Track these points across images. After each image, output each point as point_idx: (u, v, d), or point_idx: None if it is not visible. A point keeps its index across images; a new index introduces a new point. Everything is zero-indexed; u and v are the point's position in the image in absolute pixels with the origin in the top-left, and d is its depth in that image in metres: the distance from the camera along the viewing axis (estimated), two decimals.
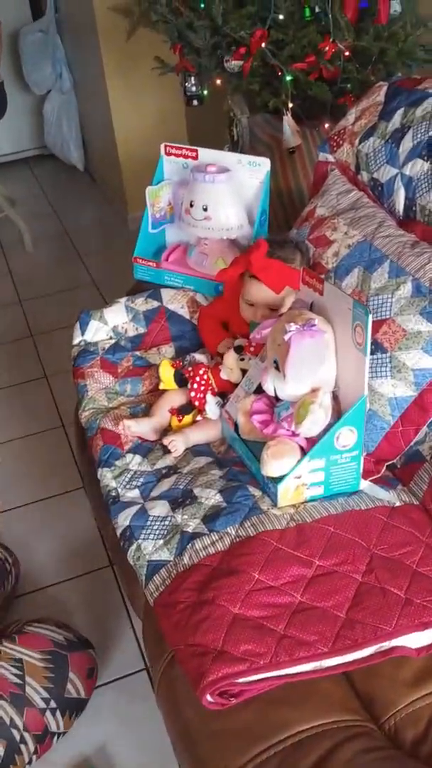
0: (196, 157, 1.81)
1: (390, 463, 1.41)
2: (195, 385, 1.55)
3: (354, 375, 1.30)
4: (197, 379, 1.56)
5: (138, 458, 1.50)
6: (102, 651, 1.70)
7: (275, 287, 1.53)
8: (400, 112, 1.66)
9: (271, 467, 1.30)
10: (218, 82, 2.36)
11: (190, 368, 1.59)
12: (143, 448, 1.53)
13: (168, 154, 1.85)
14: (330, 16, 2.00)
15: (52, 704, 1.46)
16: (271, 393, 1.36)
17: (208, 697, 1.02)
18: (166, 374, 1.60)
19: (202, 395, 1.55)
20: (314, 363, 1.30)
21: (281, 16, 2.05)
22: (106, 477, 1.47)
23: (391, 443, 1.38)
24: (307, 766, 0.97)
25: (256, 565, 1.18)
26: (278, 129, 2.33)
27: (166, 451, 1.50)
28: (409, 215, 1.59)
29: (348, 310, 1.28)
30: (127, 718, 1.61)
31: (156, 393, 1.68)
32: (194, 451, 1.50)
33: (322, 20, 2.05)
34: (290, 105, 2.17)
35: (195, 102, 2.34)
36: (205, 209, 1.73)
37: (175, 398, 1.60)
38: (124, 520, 1.35)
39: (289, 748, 1.00)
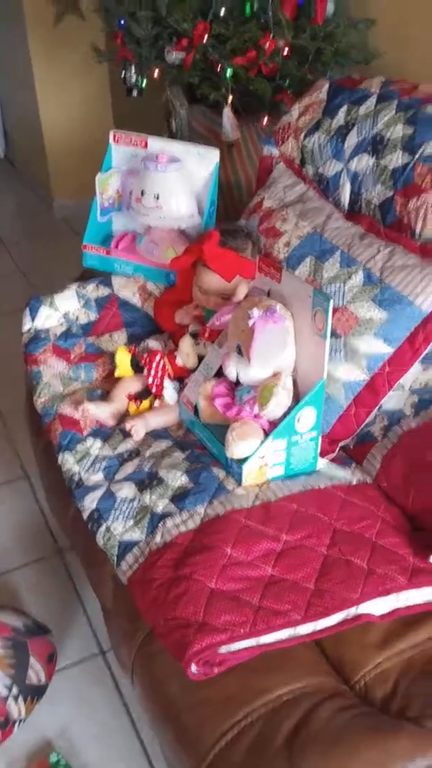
0: (145, 146, 1.83)
1: (343, 443, 1.49)
2: (152, 371, 1.58)
3: (312, 359, 1.36)
4: (153, 365, 1.59)
5: (98, 442, 1.52)
6: (56, 637, 1.71)
7: (227, 276, 1.58)
8: (344, 109, 1.73)
9: (236, 448, 1.35)
10: (156, 73, 2.37)
11: (145, 355, 1.62)
12: (102, 432, 1.55)
13: (117, 142, 1.86)
14: (270, 13, 2.06)
15: (14, 690, 1.47)
16: (233, 378, 1.41)
17: (193, 667, 1.06)
18: (123, 360, 1.63)
19: (159, 381, 1.58)
20: (277, 348, 1.36)
21: (222, 11, 2.09)
22: (69, 461, 1.48)
23: (345, 425, 1.46)
24: (290, 726, 1.03)
25: (228, 541, 1.23)
26: (216, 122, 2.37)
27: (126, 435, 1.53)
28: (354, 209, 1.67)
29: (307, 297, 1.34)
30: (86, 701, 1.63)
31: (110, 379, 1.70)
32: (154, 435, 1.53)
33: (261, 17, 2.10)
34: (230, 99, 2.21)
35: (134, 93, 2.35)
36: (157, 198, 1.75)
37: (132, 384, 1.62)
38: (90, 502, 1.37)
39: (270, 712, 1.05)
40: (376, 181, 1.60)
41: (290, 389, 1.35)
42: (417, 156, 1.52)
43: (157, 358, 1.59)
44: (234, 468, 1.37)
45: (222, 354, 1.47)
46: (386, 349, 1.42)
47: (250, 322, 1.34)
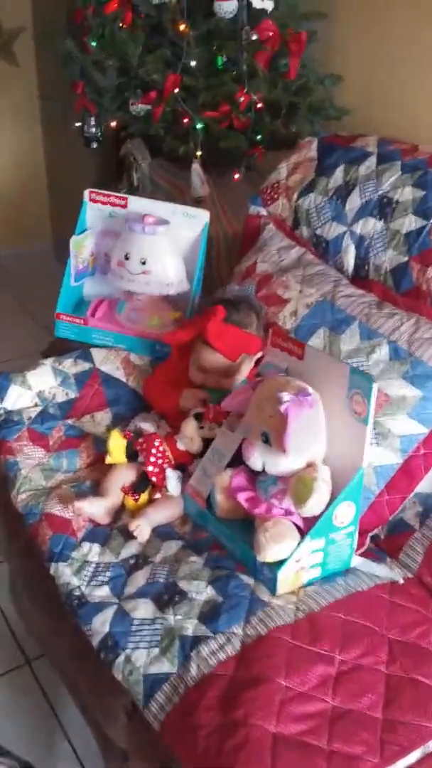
0: (125, 206, 1.68)
1: (373, 533, 1.34)
2: (152, 459, 1.40)
3: (347, 446, 1.22)
4: (153, 451, 1.41)
5: (96, 547, 1.32)
6: None
7: (231, 356, 1.43)
8: (341, 168, 1.64)
9: (270, 552, 1.18)
10: (113, 124, 2.23)
11: (140, 439, 1.44)
12: (99, 534, 1.35)
13: (93, 201, 1.69)
14: (244, 66, 1.96)
15: None
16: (258, 468, 1.25)
17: None
18: (118, 447, 1.43)
19: (159, 470, 1.40)
20: (312, 435, 1.21)
21: (193, 63, 1.97)
22: (65, 574, 1.27)
23: (377, 513, 1.32)
24: None
25: (279, 670, 1.05)
26: (179, 176, 2.24)
27: (127, 536, 1.33)
28: (360, 274, 1.56)
29: (340, 377, 1.20)
30: None
31: (95, 467, 1.51)
32: (158, 533, 1.34)
33: (233, 70, 2.00)
34: (199, 153, 2.09)
35: (94, 144, 2.19)
36: (144, 263, 1.59)
37: (125, 474, 1.43)
38: (101, 625, 1.17)
39: None
40: (387, 245, 1.49)
41: (329, 482, 1.20)
42: None
43: (156, 443, 1.41)
44: (266, 574, 1.20)
45: (240, 441, 1.30)
46: (421, 430, 1.30)
47: (282, 408, 1.19)
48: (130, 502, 1.39)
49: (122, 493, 1.40)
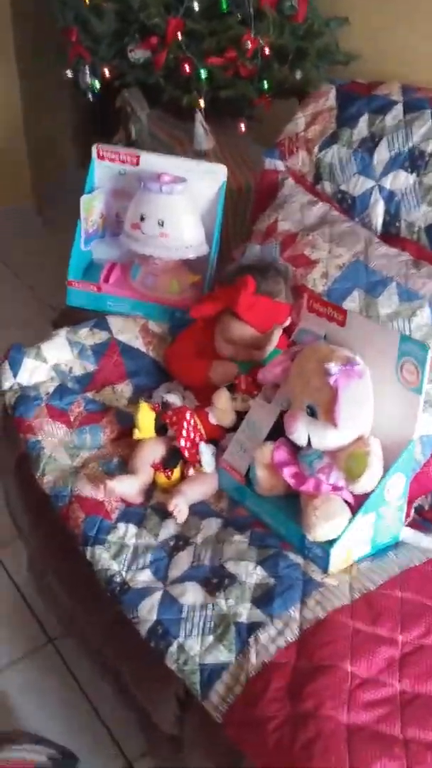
0: (137, 163, 1.57)
1: (417, 504, 1.30)
2: (184, 433, 1.33)
3: (395, 416, 1.16)
4: (184, 425, 1.34)
5: (132, 528, 1.26)
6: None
7: (262, 328, 1.36)
8: (365, 119, 1.55)
9: (321, 530, 1.13)
10: (108, 73, 2.09)
11: (170, 412, 1.37)
12: (133, 514, 1.28)
13: (101, 158, 1.58)
14: (250, 9, 1.83)
15: None
16: (302, 443, 1.19)
17: None
18: (147, 421, 1.36)
19: (191, 445, 1.34)
20: (361, 407, 1.15)
21: (196, 6, 1.85)
22: (103, 558, 1.21)
23: (421, 483, 1.27)
24: None
25: (344, 655, 1.01)
26: (179, 128, 2.13)
27: (163, 514, 1.27)
28: (390, 231, 1.48)
29: (389, 345, 1.14)
30: None
31: (121, 442, 1.44)
32: (195, 511, 1.28)
33: (238, 13, 1.88)
34: (202, 103, 1.97)
35: (90, 95, 2.06)
36: (161, 225, 1.50)
37: (155, 449, 1.36)
38: (148, 613, 1.11)
39: None
40: (420, 201, 1.42)
41: (381, 456, 1.14)
42: None
43: (187, 416, 1.34)
44: (316, 552, 1.15)
45: (278, 413, 1.24)
46: None
47: (332, 380, 1.12)
48: (162, 479, 1.33)
49: (153, 470, 1.34)
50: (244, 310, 1.33)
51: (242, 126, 2.02)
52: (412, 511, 1.29)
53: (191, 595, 1.12)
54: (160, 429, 1.38)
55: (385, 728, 0.94)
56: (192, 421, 1.34)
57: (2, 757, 1.21)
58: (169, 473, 1.33)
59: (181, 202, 1.50)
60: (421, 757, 0.91)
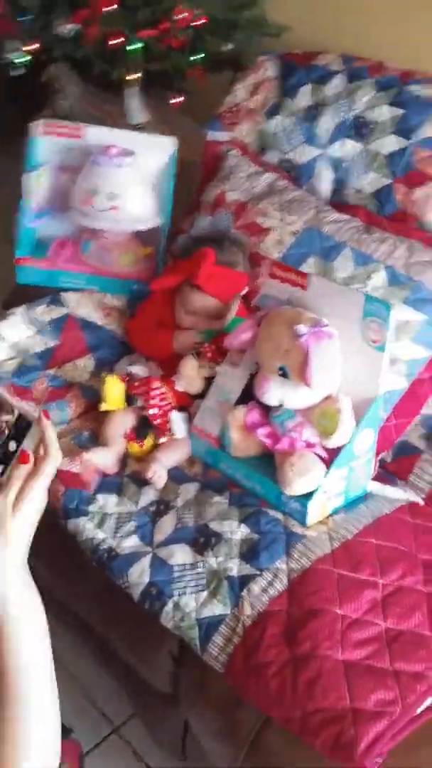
0: (79, 136, 1.56)
1: (380, 457, 1.37)
2: (153, 402, 1.36)
3: (361, 374, 1.22)
4: (153, 394, 1.36)
5: (112, 498, 1.28)
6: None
7: (223, 298, 1.39)
8: (306, 89, 1.59)
9: (297, 485, 1.19)
10: (34, 47, 2.05)
11: (136, 383, 1.39)
12: (111, 484, 1.31)
13: (45, 133, 1.56)
14: None
15: None
16: (275, 403, 1.24)
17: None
18: (115, 392, 1.38)
19: (161, 413, 1.36)
20: (332, 366, 1.20)
21: None
22: (87, 528, 1.23)
23: (384, 437, 1.34)
24: None
25: (332, 600, 1.07)
26: (111, 102, 2.11)
27: (141, 483, 1.30)
28: (338, 198, 1.54)
29: (353, 305, 1.19)
30: None
31: (88, 416, 1.45)
32: (171, 477, 1.32)
33: None
34: (137, 77, 1.97)
35: (21, 71, 2.01)
36: (112, 198, 1.50)
37: (125, 420, 1.39)
38: (140, 576, 1.15)
39: None
40: (367, 167, 1.48)
41: (352, 413, 1.20)
42: (414, 140, 1.42)
43: (155, 385, 1.37)
44: (294, 507, 1.21)
45: (247, 377, 1.28)
46: (425, 353, 1.32)
47: (302, 341, 1.17)
48: (135, 448, 1.36)
49: (125, 440, 1.36)
50: (204, 281, 1.36)
51: (177, 99, 2.02)
52: (377, 464, 1.36)
53: (180, 555, 1.16)
54: (127, 400, 1.40)
55: (376, 663, 1.01)
56: (160, 390, 1.37)
57: None
58: (142, 442, 1.35)
59: (131, 175, 1.51)
60: (411, 686, 0.98)
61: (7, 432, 0.77)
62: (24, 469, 0.75)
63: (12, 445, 0.77)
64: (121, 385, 1.38)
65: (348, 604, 1.07)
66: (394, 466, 1.37)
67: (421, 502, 1.29)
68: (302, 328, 1.18)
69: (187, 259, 1.41)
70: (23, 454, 0.76)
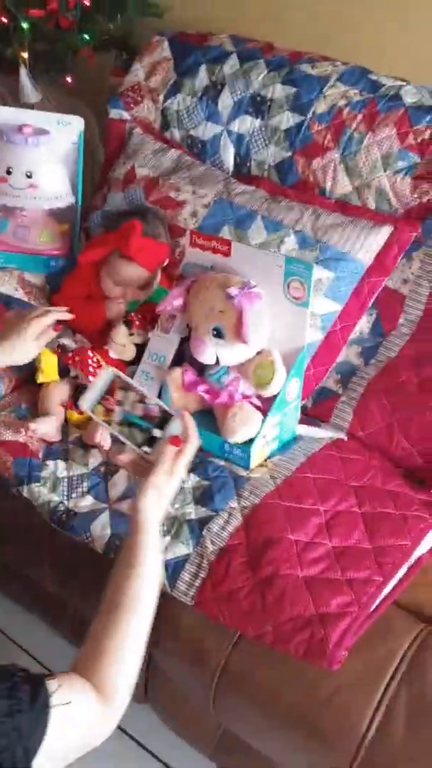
0: None
1: (303, 404, 1.51)
2: (90, 370, 1.42)
3: (285, 329, 1.35)
4: (89, 362, 1.43)
5: (61, 463, 1.34)
6: None
7: (150, 266, 1.48)
8: (203, 68, 1.68)
9: (241, 433, 1.30)
10: None
11: (70, 354, 1.45)
12: (57, 451, 1.37)
13: None
14: None
15: None
16: (211, 362, 1.34)
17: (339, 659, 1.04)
18: (50, 364, 1.43)
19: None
20: (263, 324, 1.32)
21: None
22: (42, 493, 1.29)
23: (305, 385, 1.48)
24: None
25: (285, 528, 1.20)
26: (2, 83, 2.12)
27: (86, 447, 1.37)
28: (242, 171, 1.65)
29: (274, 267, 1.31)
30: None
31: (22, 390, 1.49)
32: (113, 439, 1.39)
33: None
34: (25, 56, 1.98)
35: None
36: (29, 176, 1.53)
37: (62, 390, 1.44)
38: (102, 530, 1.22)
39: (406, 675, 1.08)
40: (268, 142, 1.59)
41: (282, 364, 1.33)
42: (309, 115, 1.55)
43: (90, 354, 1.43)
44: (236, 453, 1.32)
45: (178, 340, 1.38)
46: (337, 307, 1.47)
47: (235, 302, 1.28)
48: (74, 416, 1.42)
49: (63, 409, 1.42)
50: (135, 251, 1.43)
51: (68, 78, 2.06)
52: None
53: None
54: (60, 372, 1.46)
55: (331, 575, 1.15)
56: (95, 359, 1.44)
57: None
58: (81, 411, 1.41)
59: (45, 153, 1.55)
60: (363, 590, 1.13)
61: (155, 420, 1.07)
62: (173, 450, 1.02)
63: (156, 432, 1.06)
64: (54, 357, 1.43)
65: (298, 531, 1.20)
66: (315, 410, 1.51)
67: (345, 438, 1.44)
68: (234, 290, 1.29)
69: (114, 231, 1.47)
70: (176, 439, 1.03)
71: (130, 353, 1.46)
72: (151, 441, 1.06)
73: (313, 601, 1.10)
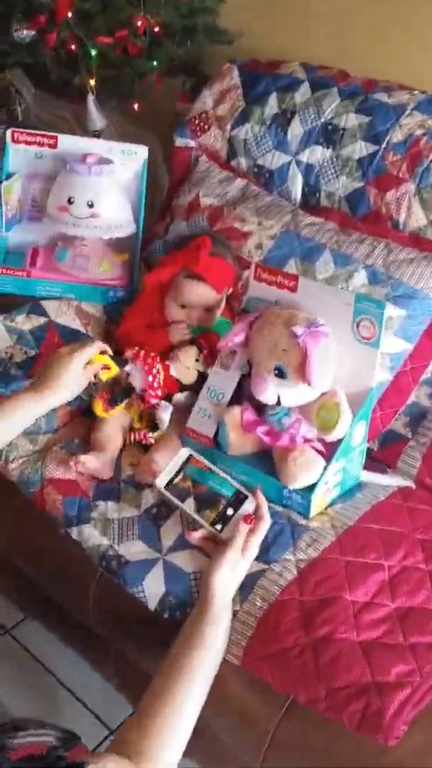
0: (54, 145, 1.56)
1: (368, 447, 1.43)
2: (149, 369, 1.35)
3: (352, 370, 1.27)
4: (149, 361, 1.36)
5: (112, 504, 1.29)
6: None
7: (218, 287, 1.42)
8: (273, 96, 1.64)
9: (302, 479, 1.23)
10: None
11: (137, 349, 1.37)
12: (108, 490, 1.32)
13: (16, 141, 1.56)
14: None
15: None
16: (272, 402, 1.27)
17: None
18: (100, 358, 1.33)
19: (154, 391, 1.36)
20: (329, 364, 1.25)
21: None
22: (93, 536, 1.23)
23: (372, 427, 1.40)
24: None
25: (342, 586, 1.12)
26: (62, 108, 2.12)
27: (138, 486, 1.31)
28: (310, 202, 1.59)
29: (344, 305, 1.24)
30: None
31: (75, 423, 1.45)
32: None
33: None
34: (93, 83, 1.98)
35: None
36: (91, 206, 1.51)
37: (117, 422, 1.39)
38: (156, 586, 1.16)
39: None
40: (339, 172, 1.53)
41: (348, 406, 1.25)
42: (384, 145, 1.49)
43: (157, 360, 1.36)
44: (296, 500, 1.25)
45: (238, 378, 1.32)
46: (407, 346, 1.39)
47: (300, 341, 1.21)
48: (100, 409, 1.34)
49: (118, 444, 1.36)
50: (203, 267, 1.38)
51: (135, 105, 2.04)
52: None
53: (192, 561, 1.17)
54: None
55: (391, 640, 1.06)
56: (156, 367, 1.37)
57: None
58: (110, 408, 1.35)
59: (108, 183, 1.53)
60: (427, 657, 1.04)
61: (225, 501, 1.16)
62: (246, 528, 1.08)
63: (230, 511, 1.13)
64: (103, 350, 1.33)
65: (357, 589, 1.11)
66: (381, 454, 1.43)
67: (413, 486, 1.35)
68: (299, 329, 1.22)
69: (182, 249, 1.43)
70: (249, 517, 1.11)
71: (191, 377, 1.41)
72: (224, 519, 1.13)
73: (370, 668, 1.01)
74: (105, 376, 1.31)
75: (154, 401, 1.37)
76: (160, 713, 0.86)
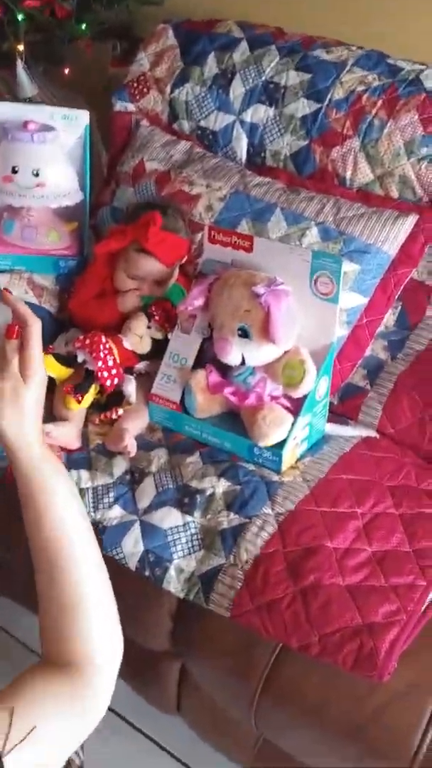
0: None
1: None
2: (101, 355, 1.34)
3: (313, 326, 1.30)
4: (101, 348, 1.35)
5: (84, 473, 1.28)
6: None
7: (169, 262, 1.42)
8: (212, 56, 1.62)
9: (273, 436, 1.25)
10: None
11: (82, 337, 1.37)
12: (79, 460, 1.31)
13: None
14: None
15: None
16: (237, 362, 1.29)
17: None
18: (52, 367, 1.35)
19: (108, 373, 1.35)
20: (292, 322, 1.27)
21: None
22: None
23: (332, 382, 1.43)
24: None
25: (323, 535, 1.15)
26: None
27: (109, 455, 1.32)
28: (255, 161, 1.60)
29: (301, 262, 1.26)
30: None
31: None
32: (139, 446, 1.34)
33: None
34: (21, 48, 1.92)
35: None
36: (36, 175, 1.47)
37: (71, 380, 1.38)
38: (134, 545, 1.17)
39: None
40: (283, 131, 1.54)
41: (312, 362, 1.28)
42: (326, 102, 1.50)
43: (103, 340, 1.36)
44: (267, 456, 1.27)
45: (200, 341, 1.33)
46: (362, 300, 1.42)
47: (262, 301, 1.23)
48: (72, 403, 1.33)
49: (65, 394, 1.34)
50: (153, 244, 1.38)
51: (66, 70, 1.99)
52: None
53: (170, 518, 1.19)
54: (69, 361, 1.37)
55: (374, 583, 1.10)
56: (107, 345, 1.36)
57: None
58: (80, 397, 1.34)
59: (53, 151, 1.49)
60: (408, 596, 1.08)
61: None
62: (14, 344, 0.79)
63: None
64: (50, 357, 1.33)
65: (337, 537, 1.15)
66: (343, 407, 1.46)
67: (377, 436, 1.39)
68: (260, 289, 1.24)
69: (133, 223, 1.42)
70: (10, 329, 0.80)
71: (145, 346, 1.41)
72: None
73: (359, 611, 1.05)
74: (57, 378, 1.33)
75: (116, 381, 1.36)
76: (56, 604, 0.74)
